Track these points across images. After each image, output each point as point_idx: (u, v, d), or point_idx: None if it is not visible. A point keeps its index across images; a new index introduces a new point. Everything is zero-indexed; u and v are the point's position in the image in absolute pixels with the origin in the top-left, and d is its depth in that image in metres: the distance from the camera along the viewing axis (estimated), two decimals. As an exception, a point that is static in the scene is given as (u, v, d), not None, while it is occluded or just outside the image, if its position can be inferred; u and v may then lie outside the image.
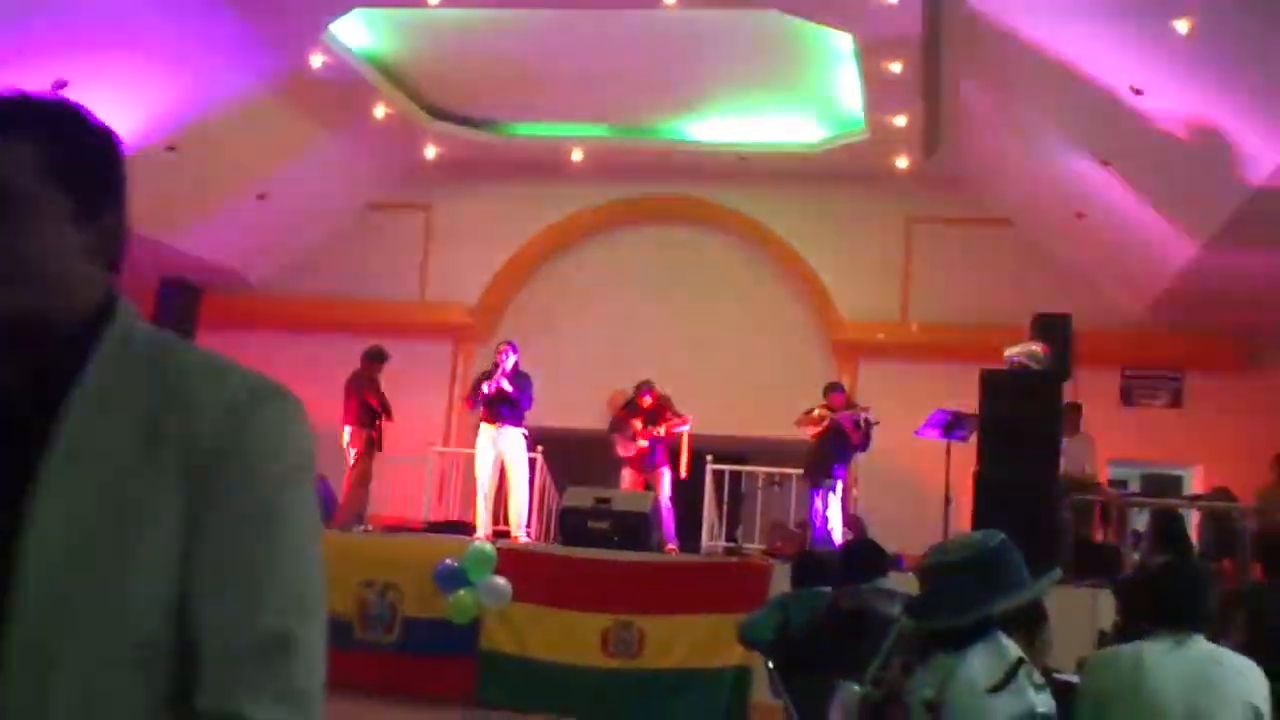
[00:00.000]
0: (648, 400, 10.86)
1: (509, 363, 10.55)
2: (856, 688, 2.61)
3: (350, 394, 10.91)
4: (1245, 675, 3.15)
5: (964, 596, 2.51)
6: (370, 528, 10.70)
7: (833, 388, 11.25)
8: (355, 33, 11.81)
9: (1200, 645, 3.21)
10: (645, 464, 10.80)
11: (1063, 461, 9.06)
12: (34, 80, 9.90)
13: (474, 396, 10.67)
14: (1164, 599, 3.36)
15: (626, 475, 10.89)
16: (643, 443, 10.75)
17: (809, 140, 13.29)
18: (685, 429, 10.90)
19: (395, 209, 14.91)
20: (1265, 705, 3.12)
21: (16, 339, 1.35)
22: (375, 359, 11.12)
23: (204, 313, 12.20)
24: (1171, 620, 3.26)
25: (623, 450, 10.88)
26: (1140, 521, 9.97)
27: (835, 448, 10.76)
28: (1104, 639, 5.01)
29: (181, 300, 11.88)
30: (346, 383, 11.01)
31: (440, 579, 8.53)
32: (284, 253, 14.62)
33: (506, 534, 10.31)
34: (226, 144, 11.87)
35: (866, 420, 10.80)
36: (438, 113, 13.49)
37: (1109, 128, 10.11)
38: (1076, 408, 10.87)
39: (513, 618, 8.60)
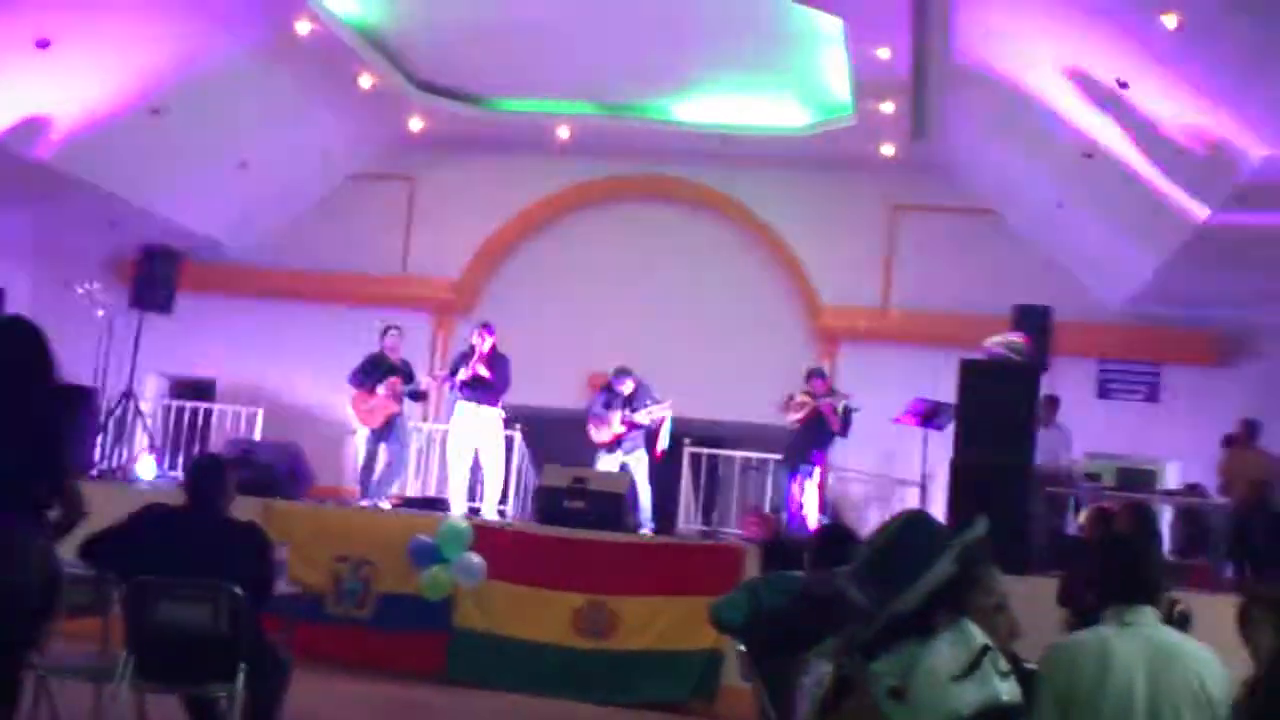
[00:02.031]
0: (629, 387, 10.79)
1: (485, 345, 10.46)
2: (830, 668, 2.59)
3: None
4: (1202, 664, 3.09)
5: (871, 600, 2.52)
6: (388, 505, 10.52)
7: (814, 373, 11.27)
8: (343, 0, 11.72)
9: (1155, 628, 3.14)
10: (620, 449, 10.74)
11: (1038, 453, 9.09)
12: (17, 38, 9.79)
13: (449, 378, 10.59)
14: (1107, 573, 3.28)
15: (604, 460, 10.78)
16: (620, 428, 10.71)
17: (795, 124, 13.27)
18: (666, 414, 10.80)
19: (378, 180, 14.83)
20: (1221, 693, 3.05)
21: None
22: (381, 335, 10.88)
23: (184, 279, 12.10)
24: (1117, 594, 3.18)
25: (595, 436, 10.83)
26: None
27: (816, 434, 10.80)
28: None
29: (162, 266, 11.77)
30: None
31: (414, 555, 8.50)
32: (265, 221, 14.53)
33: (480, 511, 10.29)
34: (210, 109, 11.78)
35: (847, 407, 10.84)
36: (424, 85, 13.41)
37: (1094, 119, 10.13)
38: (1053, 400, 10.91)
39: (485, 595, 8.57)
